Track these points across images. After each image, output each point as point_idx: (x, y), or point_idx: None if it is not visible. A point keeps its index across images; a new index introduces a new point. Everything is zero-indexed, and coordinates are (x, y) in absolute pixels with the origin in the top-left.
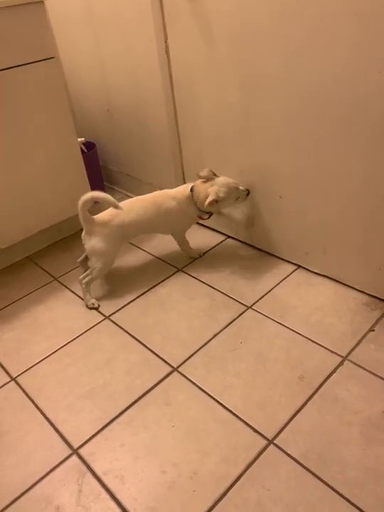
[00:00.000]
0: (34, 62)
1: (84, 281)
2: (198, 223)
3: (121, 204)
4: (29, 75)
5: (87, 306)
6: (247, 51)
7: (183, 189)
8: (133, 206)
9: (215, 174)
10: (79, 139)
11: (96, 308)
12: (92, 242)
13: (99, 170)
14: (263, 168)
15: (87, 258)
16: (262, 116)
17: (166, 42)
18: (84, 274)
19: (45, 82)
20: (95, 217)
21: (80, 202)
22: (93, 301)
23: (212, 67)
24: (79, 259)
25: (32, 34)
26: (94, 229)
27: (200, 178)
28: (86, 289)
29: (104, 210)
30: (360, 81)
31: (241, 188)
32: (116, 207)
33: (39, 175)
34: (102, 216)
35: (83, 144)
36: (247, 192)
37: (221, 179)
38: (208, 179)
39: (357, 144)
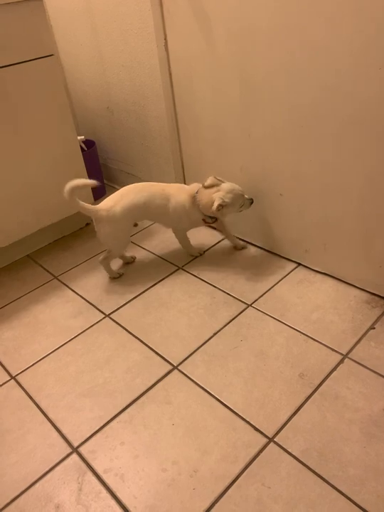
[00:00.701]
0: (33, 59)
1: (100, 259)
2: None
3: (135, 185)
4: (28, 73)
5: (111, 277)
6: (247, 48)
7: (191, 189)
8: (144, 188)
9: (219, 180)
10: (78, 137)
11: (121, 274)
12: (100, 230)
13: (99, 168)
14: (263, 165)
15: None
16: (262, 113)
17: (165, 39)
18: (103, 256)
19: (45, 79)
20: (99, 204)
21: (66, 196)
22: (116, 270)
23: (212, 64)
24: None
25: (31, 31)
26: (100, 215)
27: (205, 188)
28: (106, 266)
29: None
30: (360, 78)
31: (246, 196)
32: (92, 185)
33: (39, 173)
34: (105, 202)
35: (83, 141)
36: (251, 201)
37: (227, 185)
38: (212, 186)
39: (357, 141)
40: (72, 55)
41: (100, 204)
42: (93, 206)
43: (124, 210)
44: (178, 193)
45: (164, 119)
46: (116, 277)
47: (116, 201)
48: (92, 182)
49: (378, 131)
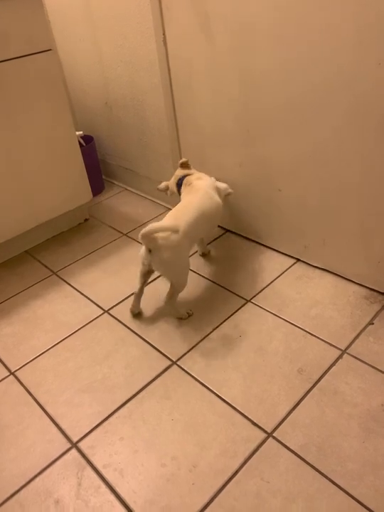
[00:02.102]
0: (31, 54)
1: (170, 302)
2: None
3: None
4: (26, 68)
5: (182, 318)
6: (246, 43)
7: (206, 178)
8: (186, 206)
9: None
10: (77, 133)
11: (191, 315)
12: (165, 256)
13: (98, 164)
14: (262, 161)
15: (141, 292)
16: (261, 109)
17: (163, 34)
18: (168, 294)
19: (43, 74)
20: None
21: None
22: (185, 310)
23: (211, 60)
24: (131, 307)
25: (28, 26)
26: (162, 243)
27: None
28: (174, 306)
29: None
30: (359, 73)
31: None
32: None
33: (37, 168)
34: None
35: (81, 137)
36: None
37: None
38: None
39: (356, 136)
40: (70, 51)
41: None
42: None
43: (184, 231)
44: (205, 186)
45: (163, 115)
46: (185, 318)
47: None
48: (169, 227)
49: (377, 128)
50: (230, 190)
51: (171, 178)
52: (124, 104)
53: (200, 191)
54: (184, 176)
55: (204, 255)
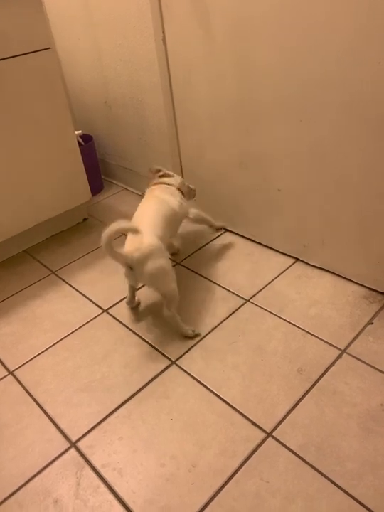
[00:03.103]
0: (30, 52)
1: (170, 314)
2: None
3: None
4: (25, 66)
5: (188, 336)
6: (246, 41)
7: (170, 184)
8: (143, 214)
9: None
10: (76, 132)
11: (198, 335)
12: (148, 267)
13: (97, 163)
14: (261, 160)
15: (133, 295)
16: (261, 108)
17: (163, 33)
18: (165, 306)
19: (42, 73)
20: (126, 249)
21: (105, 240)
22: (191, 329)
23: (210, 57)
24: (126, 301)
25: (27, 24)
26: (139, 255)
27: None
28: (177, 321)
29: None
30: (359, 72)
31: None
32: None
33: (36, 168)
34: (132, 243)
35: (80, 136)
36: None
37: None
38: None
39: (357, 136)
40: (69, 49)
41: (126, 249)
42: (124, 251)
43: (154, 234)
44: (165, 192)
45: (162, 114)
46: (191, 336)
47: (138, 236)
48: (135, 227)
49: (377, 127)
50: (190, 216)
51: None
52: (123, 103)
53: (154, 198)
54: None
55: (174, 254)
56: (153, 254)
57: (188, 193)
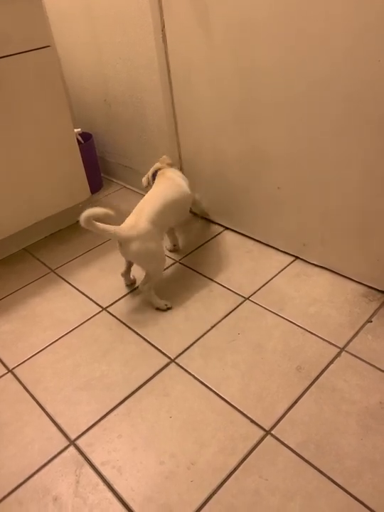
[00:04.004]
0: (29, 50)
1: (145, 288)
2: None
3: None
4: (24, 64)
5: (160, 309)
6: (246, 39)
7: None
8: (153, 195)
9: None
10: (75, 130)
11: (170, 308)
12: (134, 247)
13: (96, 161)
14: (261, 158)
15: (129, 269)
16: (260, 106)
17: (163, 31)
18: (143, 281)
19: (41, 71)
20: (121, 225)
21: (83, 224)
22: (164, 302)
23: (210, 55)
24: (122, 272)
25: (27, 22)
26: (129, 234)
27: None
28: (151, 294)
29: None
30: (359, 70)
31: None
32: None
33: (35, 166)
34: (128, 221)
35: (80, 134)
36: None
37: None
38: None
39: (356, 134)
40: (69, 47)
41: (121, 225)
42: (114, 227)
43: (150, 219)
44: (175, 176)
45: (162, 112)
46: (163, 309)
47: (137, 217)
48: (109, 212)
49: (377, 126)
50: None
51: None
52: (123, 101)
53: (168, 181)
54: (159, 169)
55: (173, 250)
56: (141, 236)
57: None
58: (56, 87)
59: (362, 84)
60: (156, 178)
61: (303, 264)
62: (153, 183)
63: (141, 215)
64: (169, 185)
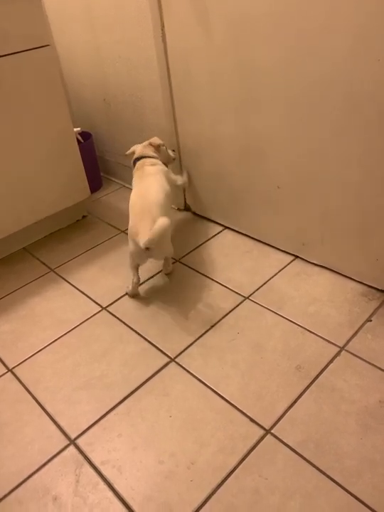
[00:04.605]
0: (29, 49)
1: (170, 268)
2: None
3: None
4: (23, 63)
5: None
6: (245, 38)
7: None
8: (144, 189)
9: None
10: (75, 129)
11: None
12: (165, 245)
13: (96, 160)
14: (261, 158)
15: (138, 273)
16: (260, 105)
17: (162, 29)
18: (166, 266)
19: (40, 70)
20: (140, 232)
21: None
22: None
23: (210, 55)
24: (134, 281)
25: (26, 21)
26: (156, 240)
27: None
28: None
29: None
30: (359, 69)
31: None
32: None
33: (34, 165)
34: (145, 226)
35: (79, 134)
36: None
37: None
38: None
39: (356, 133)
40: (68, 46)
41: (140, 232)
42: (141, 240)
43: (163, 213)
44: (156, 168)
45: (161, 111)
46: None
47: (149, 217)
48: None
49: (377, 125)
50: (178, 183)
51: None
52: (122, 100)
53: (151, 176)
54: (142, 157)
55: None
56: (168, 234)
57: (169, 162)
58: (56, 86)
59: (362, 83)
60: (136, 169)
61: (303, 264)
62: (132, 165)
63: (150, 214)
64: (154, 180)
